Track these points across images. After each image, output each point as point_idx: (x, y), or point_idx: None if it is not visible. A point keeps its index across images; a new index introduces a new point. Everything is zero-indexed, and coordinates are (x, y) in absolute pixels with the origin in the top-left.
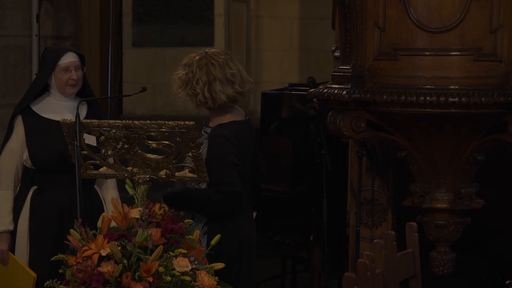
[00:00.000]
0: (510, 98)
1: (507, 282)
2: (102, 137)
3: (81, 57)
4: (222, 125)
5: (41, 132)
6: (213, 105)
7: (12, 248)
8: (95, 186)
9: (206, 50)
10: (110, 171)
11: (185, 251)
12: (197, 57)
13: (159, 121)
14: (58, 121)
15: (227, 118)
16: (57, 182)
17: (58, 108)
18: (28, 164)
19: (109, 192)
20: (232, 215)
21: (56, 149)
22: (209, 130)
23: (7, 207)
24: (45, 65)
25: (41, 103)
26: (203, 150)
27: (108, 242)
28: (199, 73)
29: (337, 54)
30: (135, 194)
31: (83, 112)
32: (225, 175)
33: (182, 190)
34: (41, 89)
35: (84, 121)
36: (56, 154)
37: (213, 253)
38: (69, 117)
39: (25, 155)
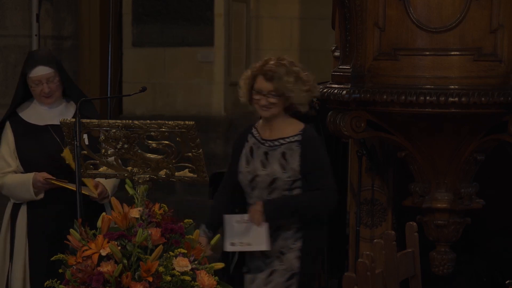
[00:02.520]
0: (510, 98)
1: (507, 282)
2: (102, 137)
3: (57, 64)
4: (309, 127)
5: (29, 138)
6: None
7: (11, 250)
8: None
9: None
10: (110, 171)
11: (185, 251)
12: (284, 61)
13: (159, 121)
14: (44, 126)
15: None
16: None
17: (43, 113)
18: (21, 170)
19: None
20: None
21: (45, 154)
22: (299, 137)
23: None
24: (20, 75)
25: (27, 109)
26: (293, 157)
27: (108, 242)
28: (299, 69)
29: (337, 54)
30: (135, 194)
31: (70, 114)
32: (329, 174)
33: (282, 200)
34: (22, 96)
35: (84, 121)
36: (46, 158)
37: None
38: (55, 122)
39: (17, 162)
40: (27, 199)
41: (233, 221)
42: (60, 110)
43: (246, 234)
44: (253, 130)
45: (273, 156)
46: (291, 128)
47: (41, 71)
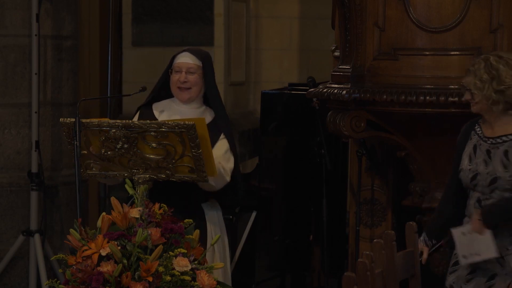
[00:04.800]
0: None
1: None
2: (102, 137)
3: (205, 61)
4: None
5: None
6: None
7: None
8: None
9: (493, 52)
10: (110, 171)
11: (185, 251)
12: (491, 57)
13: (159, 121)
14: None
15: None
16: None
17: (175, 111)
18: None
19: None
20: None
21: None
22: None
23: None
24: (167, 66)
25: (162, 103)
26: (499, 160)
27: (108, 242)
28: (503, 68)
29: (336, 53)
30: (135, 194)
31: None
32: None
33: (499, 205)
34: (161, 88)
35: (84, 121)
36: None
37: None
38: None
39: None
40: None
41: (460, 234)
42: (196, 113)
43: (474, 245)
44: (477, 127)
45: (496, 154)
46: None
47: (185, 58)
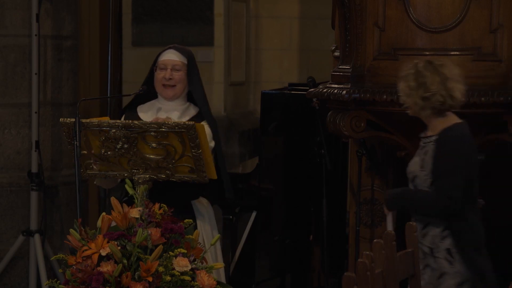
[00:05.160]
0: (510, 98)
1: None
2: (102, 137)
3: (189, 58)
4: (449, 129)
5: None
6: (452, 103)
7: None
8: None
9: (424, 59)
10: (110, 171)
11: (185, 251)
12: (420, 64)
13: (159, 121)
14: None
15: (450, 121)
16: None
17: (160, 110)
18: None
19: None
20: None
21: None
22: (435, 138)
23: None
24: (152, 65)
25: (146, 105)
26: (427, 159)
27: (108, 242)
28: (430, 75)
29: (336, 53)
30: (135, 194)
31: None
32: (452, 178)
33: (398, 192)
34: (147, 89)
35: (84, 121)
36: None
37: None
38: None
39: None
40: None
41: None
42: (180, 111)
43: (388, 221)
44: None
45: (420, 154)
46: (439, 127)
47: (171, 55)
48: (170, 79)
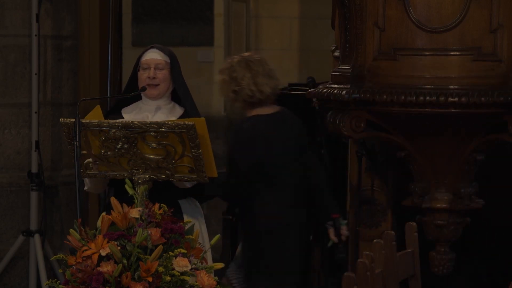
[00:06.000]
0: (510, 98)
1: None
2: (102, 137)
3: (171, 58)
4: (242, 120)
5: None
6: (261, 97)
7: None
8: None
9: (241, 54)
10: (110, 171)
11: (185, 251)
12: (235, 60)
13: (159, 121)
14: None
15: (257, 112)
16: None
17: (145, 111)
18: None
19: None
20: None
21: None
22: None
23: None
24: (134, 67)
25: (130, 106)
26: None
27: (108, 242)
28: (242, 70)
29: (336, 54)
30: (135, 194)
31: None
32: (227, 166)
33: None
34: (131, 91)
35: (84, 121)
36: None
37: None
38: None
39: None
40: None
41: None
42: (166, 110)
43: None
44: None
45: None
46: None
47: (153, 55)
48: (154, 78)
